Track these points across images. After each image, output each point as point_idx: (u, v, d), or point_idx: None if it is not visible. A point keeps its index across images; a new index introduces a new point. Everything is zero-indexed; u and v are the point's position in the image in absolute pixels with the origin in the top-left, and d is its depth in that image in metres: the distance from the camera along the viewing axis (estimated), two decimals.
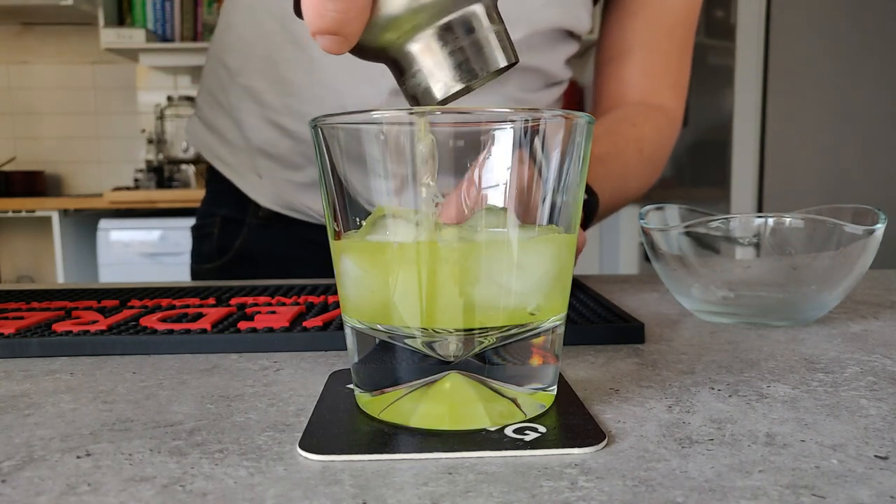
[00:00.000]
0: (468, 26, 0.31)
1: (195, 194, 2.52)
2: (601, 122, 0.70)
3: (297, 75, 0.69)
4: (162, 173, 2.79)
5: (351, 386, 0.31)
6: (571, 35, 0.72)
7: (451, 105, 0.32)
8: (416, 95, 0.31)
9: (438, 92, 0.31)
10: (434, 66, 0.31)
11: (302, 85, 0.68)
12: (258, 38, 0.71)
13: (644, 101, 0.72)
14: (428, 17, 0.30)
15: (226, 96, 0.75)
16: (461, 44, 0.30)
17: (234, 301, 0.49)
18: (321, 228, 0.74)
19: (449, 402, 0.26)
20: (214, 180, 0.81)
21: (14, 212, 2.45)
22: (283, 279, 0.67)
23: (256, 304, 0.49)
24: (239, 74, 0.73)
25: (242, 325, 0.41)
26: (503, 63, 0.31)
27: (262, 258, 0.77)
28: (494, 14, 0.32)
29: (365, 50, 0.32)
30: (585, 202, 0.56)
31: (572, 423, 0.27)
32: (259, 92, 0.71)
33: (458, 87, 0.31)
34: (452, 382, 0.26)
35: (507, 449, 0.24)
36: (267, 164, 0.73)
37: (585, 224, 0.58)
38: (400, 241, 0.26)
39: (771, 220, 0.47)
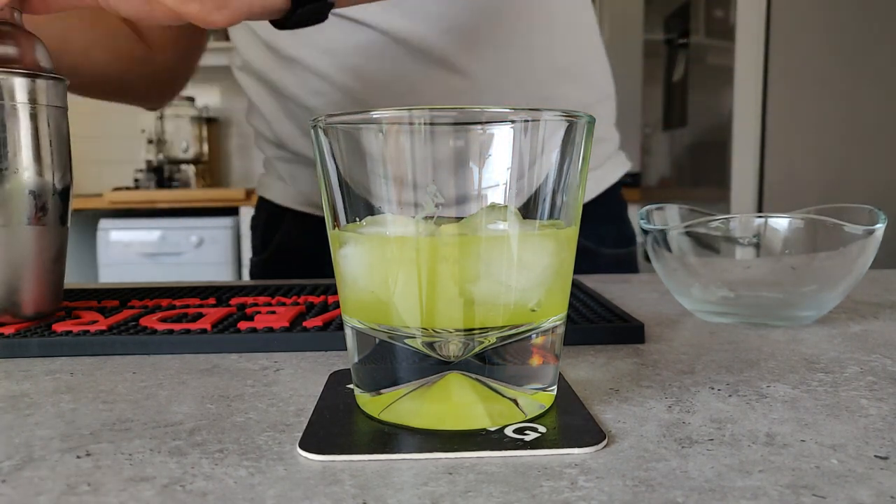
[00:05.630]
0: None
1: (195, 194, 2.52)
2: None
3: (320, 104, 0.68)
4: (162, 173, 2.79)
5: (351, 386, 0.31)
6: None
7: (452, 106, 0.32)
8: None
9: None
10: None
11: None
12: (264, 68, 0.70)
13: None
14: None
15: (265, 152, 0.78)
16: None
17: (234, 301, 0.49)
18: None
19: (449, 402, 0.26)
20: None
21: None
22: (317, 278, 0.67)
23: (256, 304, 0.49)
24: (272, 121, 0.73)
25: (242, 325, 0.41)
26: None
27: (297, 255, 0.76)
28: None
29: None
30: None
31: (572, 423, 0.27)
32: (290, 139, 0.72)
33: None
34: (452, 382, 0.26)
35: (507, 449, 0.24)
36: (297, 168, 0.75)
37: None
38: (400, 240, 0.26)
39: (771, 220, 0.47)
